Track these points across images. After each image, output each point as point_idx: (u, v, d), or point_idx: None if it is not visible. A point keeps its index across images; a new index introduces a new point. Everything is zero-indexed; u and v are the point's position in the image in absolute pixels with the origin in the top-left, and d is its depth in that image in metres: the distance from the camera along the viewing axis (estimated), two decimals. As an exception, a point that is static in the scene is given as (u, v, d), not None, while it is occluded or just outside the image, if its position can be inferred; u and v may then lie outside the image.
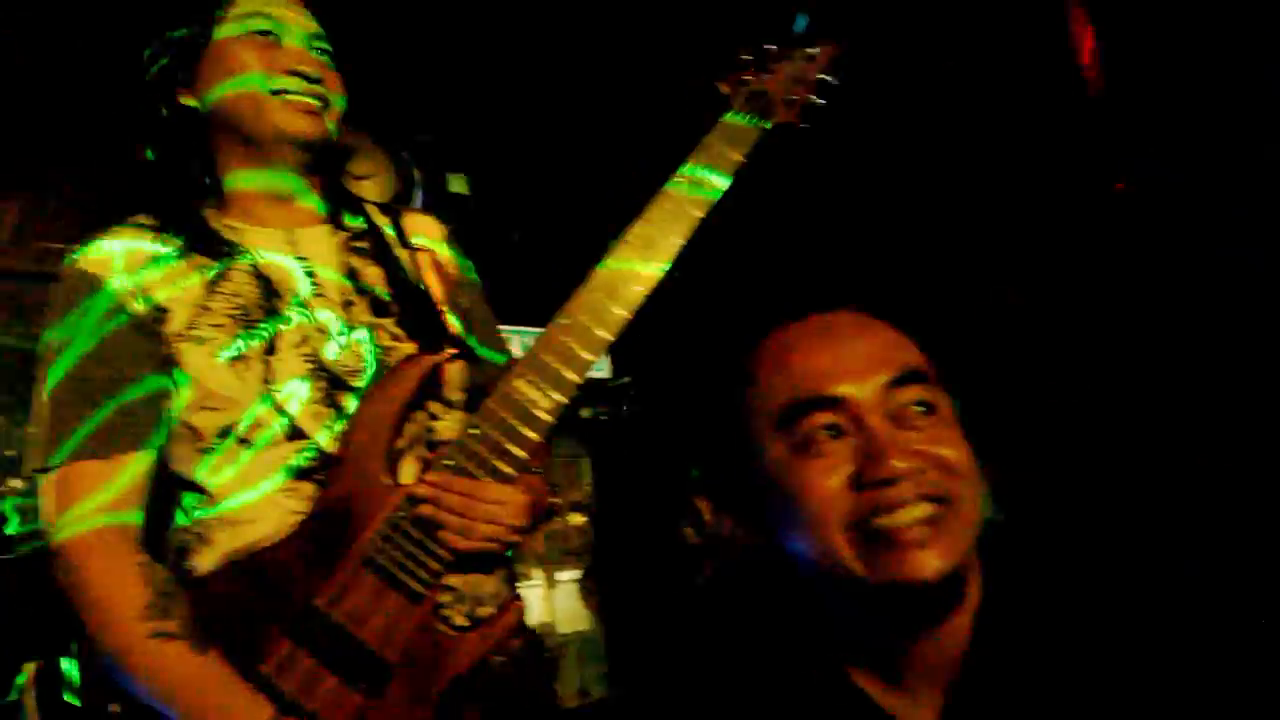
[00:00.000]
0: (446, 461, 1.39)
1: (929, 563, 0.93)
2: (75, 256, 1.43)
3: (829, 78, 1.59)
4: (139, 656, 1.27)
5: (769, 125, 1.55)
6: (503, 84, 3.89)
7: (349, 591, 1.35)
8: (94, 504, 1.33)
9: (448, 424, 1.51)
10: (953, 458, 0.96)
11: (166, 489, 1.43)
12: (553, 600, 4.01)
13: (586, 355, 1.40)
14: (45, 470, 1.36)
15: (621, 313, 1.41)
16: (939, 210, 3.42)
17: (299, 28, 1.52)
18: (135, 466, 1.38)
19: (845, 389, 0.97)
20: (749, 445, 1.03)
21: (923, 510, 0.94)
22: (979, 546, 0.98)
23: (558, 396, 1.39)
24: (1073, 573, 1.02)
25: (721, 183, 1.49)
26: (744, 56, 1.58)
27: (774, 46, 1.60)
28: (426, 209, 1.73)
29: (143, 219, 1.48)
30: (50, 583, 1.31)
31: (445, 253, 1.68)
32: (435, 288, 1.60)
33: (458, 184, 4.17)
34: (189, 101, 1.51)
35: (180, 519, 1.44)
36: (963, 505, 0.95)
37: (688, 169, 1.49)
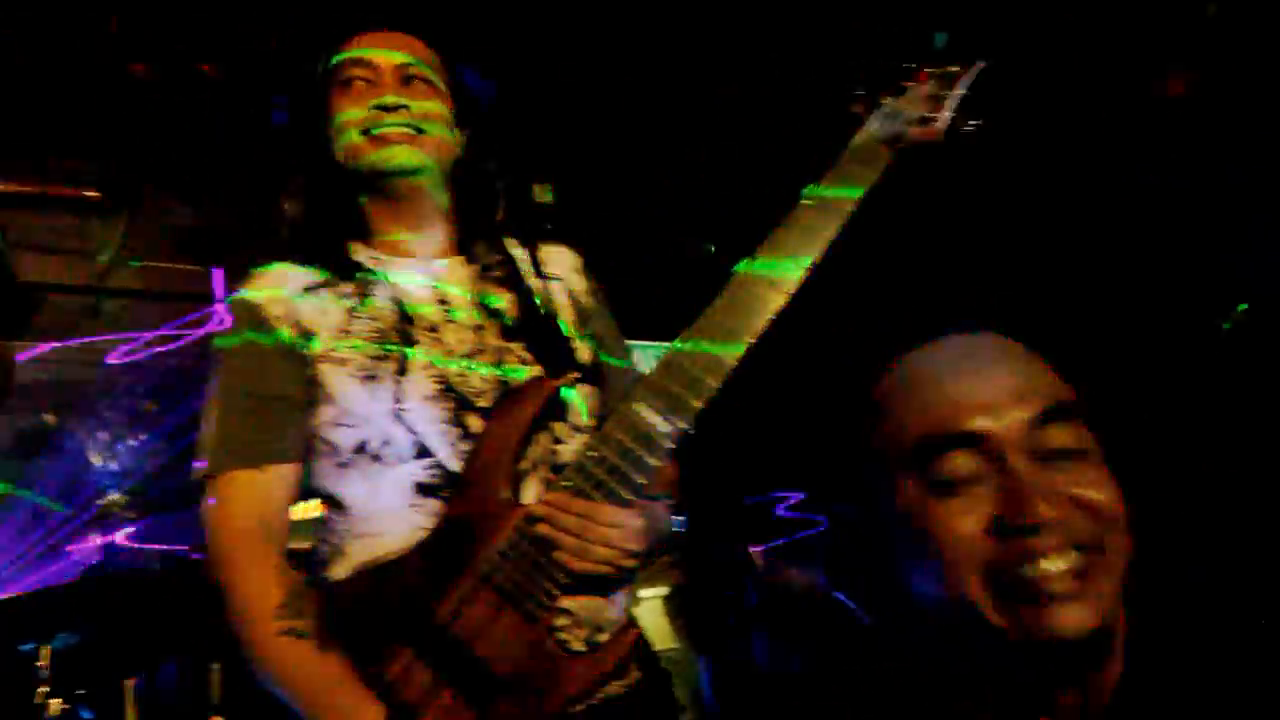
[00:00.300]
0: (565, 483, 1.44)
1: (1074, 618, 0.88)
2: (241, 287, 1.60)
3: (969, 95, 1.56)
4: (270, 652, 1.40)
5: (903, 145, 1.54)
6: (622, 104, 3.92)
7: (468, 607, 1.42)
8: (243, 509, 1.48)
9: (572, 447, 1.55)
10: (1103, 502, 0.91)
11: (315, 496, 1.56)
12: (638, 618, 4.01)
13: (710, 381, 1.43)
14: (207, 476, 1.51)
15: (745, 338, 1.43)
16: (1091, 227, 3.27)
17: (385, 60, 1.62)
18: (281, 476, 1.52)
19: (986, 424, 0.92)
20: (877, 481, 0.99)
21: (1069, 560, 0.88)
22: (1126, 593, 0.92)
23: (679, 422, 1.42)
24: (1224, 616, 0.97)
25: (853, 204, 1.49)
26: (879, 76, 1.56)
27: (911, 65, 1.60)
28: (513, 220, 1.80)
29: (296, 254, 1.63)
30: (202, 584, 1.47)
31: (578, 282, 1.75)
32: (566, 315, 1.68)
33: (543, 194, 4.22)
34: (336, 155, 1.63)
35: (321, 531, 1.56)
36: (1112, 555, 0.90)
37: (818, 190, 1.50)
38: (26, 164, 3.96)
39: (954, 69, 1.58)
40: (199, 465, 1.53)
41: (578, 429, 1.59)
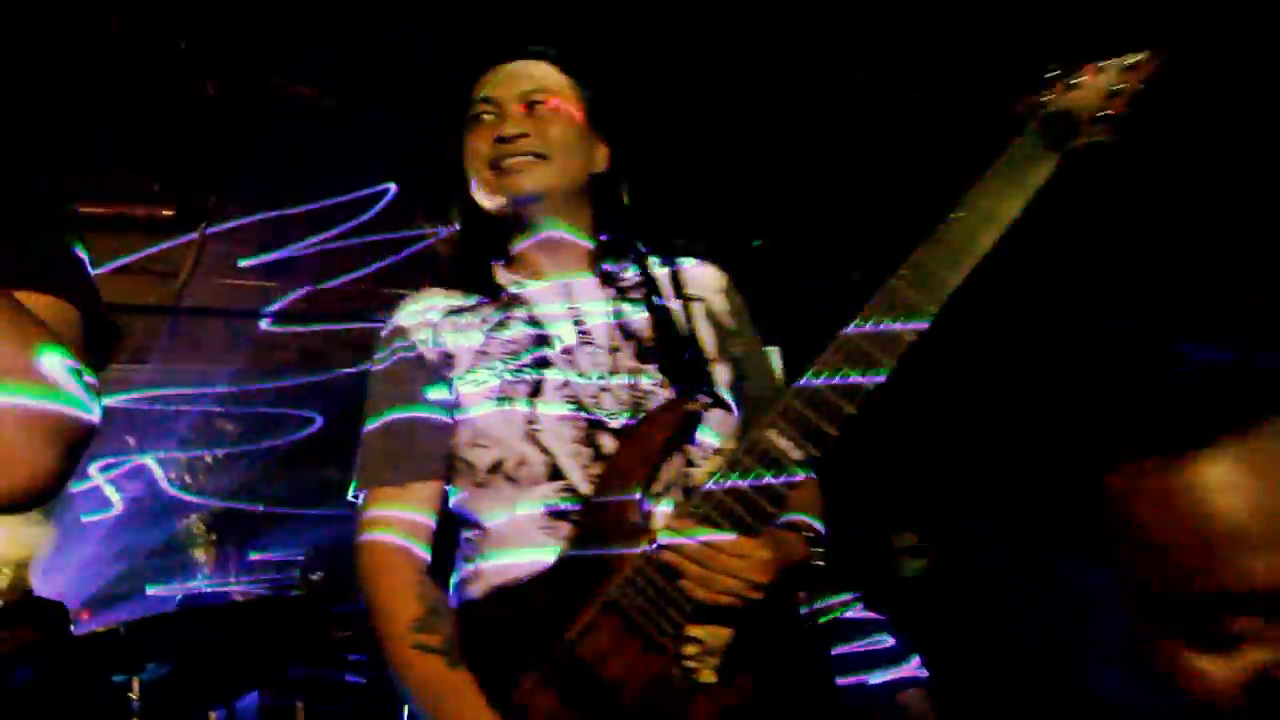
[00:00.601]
0: (692, 510, 1.45)
1: None
2: (394, 312, 1.71)
3: (1147, 88, 1.47)
4: (403, 664, 1.48)
5: (1073, 147, 1.49)
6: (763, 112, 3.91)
7: (594, 634, 1.43)
8: (385, 524, 1.57)
9: (706, 471, 1.56)
10: None
11: (452, 522, 1.63)
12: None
13: (847, 408, 1.43)
14: (359, 491, 1.63)
15: (885, 365, 1.44)
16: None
17: (507, 93, 1.69)
18: (424, 492, 1.60)
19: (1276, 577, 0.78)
20: (1100, 587, 0.87)
21: None
22: None
23: (812, 449, 1.43)
24: None
25: (1012, 215, 1.45)
26: (1047, 75, 1.48)
27: (1081, 61, 1.53)
28: (654, 238, 1.82)
29: (443, 279, 1.74)
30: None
31: (720, 302, 1.75)
32: (705, 337, 1.69)
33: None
34: (475, 193, 1.72)
35: (461, 550, 1.64)
36: None
37: (973, 200, 1.47)
38: (96, 184, 4.00)
39: (1136, 58, 1.49)
40: (352, 483, 1.65)
41: (711, 453, 1.60)
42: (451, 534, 1.65)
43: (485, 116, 1.69)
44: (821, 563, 1.60)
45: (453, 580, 1.63)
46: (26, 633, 3.46)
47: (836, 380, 1.43)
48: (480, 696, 1.42)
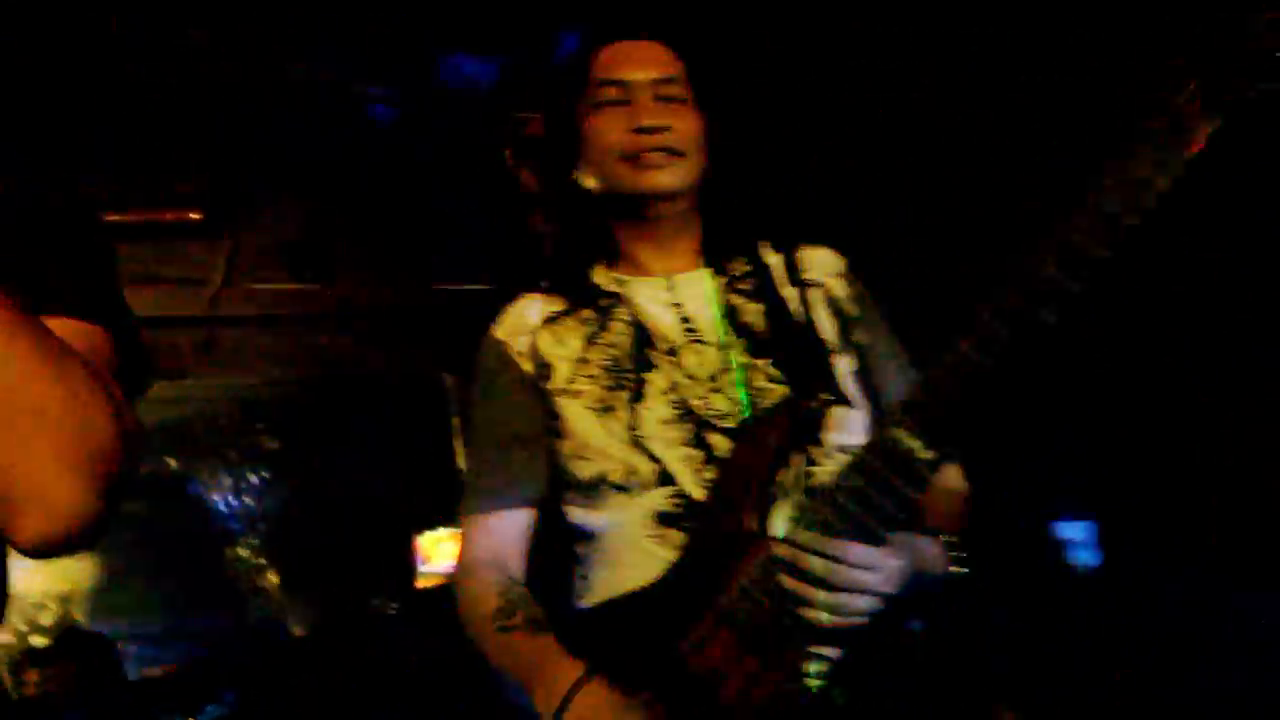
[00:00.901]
0: (815, 516, 1.38)
1: None
2: (492, 326, 1.73)
3: None
4: (492, 652, 1.53)
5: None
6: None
7: (708, 647, 1.40)
8: (478, 551, 1.62)
9: (829, 471, 1.50)
10: None
11: (562, 533, 1.64)
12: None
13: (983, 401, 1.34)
14: (462, 517, 1.68)
15: None
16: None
17: (644, 78, 1.65)
18: (516, 521, 1.63)
19: None
20: None
21: None
22: None
23: (946, 448, 1.32)
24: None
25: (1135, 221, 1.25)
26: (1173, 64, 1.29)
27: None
28: (765, 224, 1.79)
29: (544, 283, 1.74)
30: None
31: (841, 287, 1.70)
32: (825, 326, 1.64)
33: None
34: (582, 180, 1.69)
35: (572, 563, 1.64)
36: None
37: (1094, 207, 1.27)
38: (119, 189, 3.92)
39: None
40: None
41: (835, 452, 1.54)
42: (565, 547, 1.65)
43: (613, 100, 1.65)
44: (964, 570, 1.53)
45: (570, 594, 1.64)
46: (74, 669, 3.49)
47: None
48: (564, 654, 1.44)
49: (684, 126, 1.63)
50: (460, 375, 4.43)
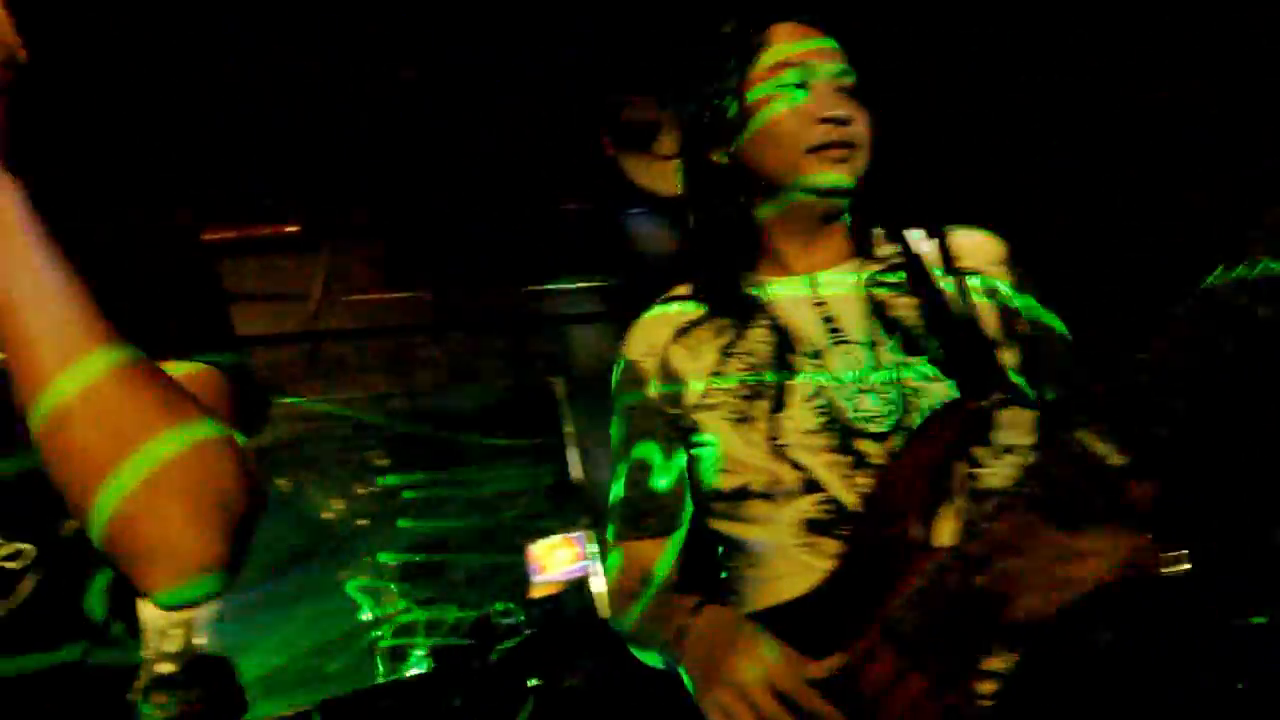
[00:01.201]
0: (986, 524, 1.33)
1: None
2: (622, 344, 1.74)
3: None
4: (633, 635, 1.62)
5: None
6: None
7: (870, 665, 1.35)
8: (622, 576, 1.66)
9: (996, 474, 1.47)
10: None
11: (710, 547, 1.64)
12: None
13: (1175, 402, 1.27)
14: (610, 543, 1.72)
15: None
16: None
17: (826, 66, 1.62)
18: (656, 547, 1.65)
19: None
20: None
21: None
22: None
23: (1140, 454, 1.26)
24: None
25: None
26: None
27: None
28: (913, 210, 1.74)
29: (679, 289, 1.73)
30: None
31: (1002, 275, 1.63)
32: (986, 318, 1.58)
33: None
34: (718, 158, 1.67)
35: (722, 576, 1.63)
36: None
37: None
38: (214, 205, 3.98)
39: None
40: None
41: (1001, 452, 1.50)
42: (713, 561, 1.66)
43: (790, 85, 1.61)
44: (1186, 568, 1.39)
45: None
46: (198, 694, 3.58)
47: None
48: (685, 599, 1.52)
49: (862, 119, 1.61)
50: (569, 380, 4.41)
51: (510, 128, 4.05)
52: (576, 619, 4.46)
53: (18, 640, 0.92)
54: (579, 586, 5.00)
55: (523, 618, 4.42)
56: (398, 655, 4.77)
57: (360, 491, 4.32)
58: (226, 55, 3.48)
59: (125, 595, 1.04)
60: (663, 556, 1.64)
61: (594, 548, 4.60)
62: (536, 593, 5.43)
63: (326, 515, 4.31)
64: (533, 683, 3.46)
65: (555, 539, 5.48)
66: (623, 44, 3.77)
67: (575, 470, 4.53)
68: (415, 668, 4.65)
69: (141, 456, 0.90)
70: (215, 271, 1.17)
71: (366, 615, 4.69)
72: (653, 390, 1.66)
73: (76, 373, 0.89)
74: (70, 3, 2.97)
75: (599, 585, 4.53)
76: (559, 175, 4.14)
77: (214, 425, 0.95)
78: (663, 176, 4.18)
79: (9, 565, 0.93)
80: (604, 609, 4.48)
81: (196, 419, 0.94)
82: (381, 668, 4.70)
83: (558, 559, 5.51)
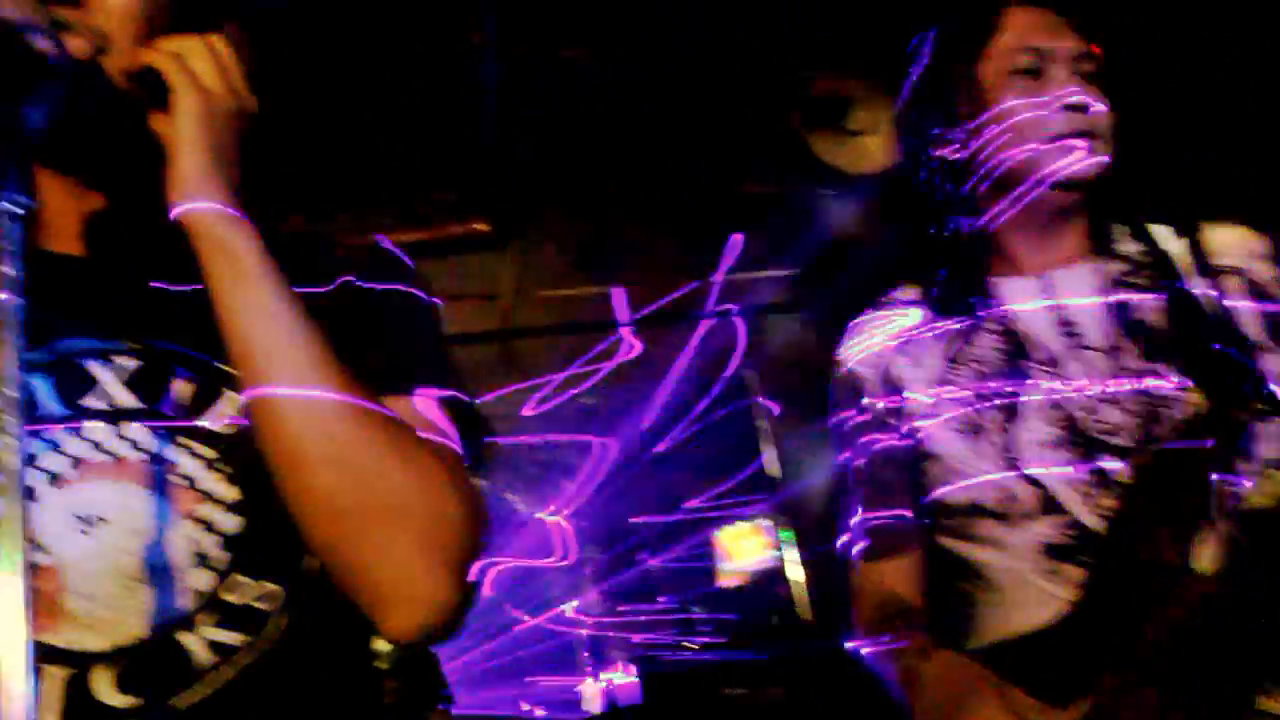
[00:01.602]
0: (1259, 545, 1.31)
1: None
2: (838, 351, 1.71)
3: None
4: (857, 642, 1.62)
5: None
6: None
7: (1124, 707, 1.30)
8: (867, 600, 1.62)
9: (1266, 495, 1.38)
10: None
11: (940, 565, 1.60)
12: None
13: None
14: (854, 568, 1.67)
15: None
16: None
17: (1065, 49, 1.57)
18: (900, 567, 1.60)
19: None
20: None
21: None
22: None
23: None
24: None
25: None
26: None
27: None
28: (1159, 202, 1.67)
29: (899, 293, 1.70)
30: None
31: (1264, 272, 1.56)
32: (1247, 321, 1.52)
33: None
34: (946, 151, 1.64)
35: (954, 597, 1.60)
36: None
37: None
38: (403, 206, 4.09)
39: None
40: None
41: (1268, 469, 1.41)
42: (944, 580, 1.62)
43: (1030, 72, 1.57)
44: None
45: (954, 633, 1.60)
46: (401, 684, 3.72)
47: None
48: (916, 636, 1.51)
49: (1103, 106, 1.56)
50: (761, 372, 4.38)
51: (693, 110, 4.03)
52: (776, 619, 4.47)
53: (271, 680, 0.96)
54: (770, 578, 4.98)
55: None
56: (595, 648, 4.86)
57: (559, 491, 4.43)
58: (408, 58, 3.59)
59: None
60: (899, 578, 1.61)
61: (788, 535, 4.58)
62: (723, 581, 5.44)
63: (525, 515, 4.43)
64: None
65: (743, 526, 5.47)
66: (813, 13, 3.70)
67: (771, 465, 4.52)
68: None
69: (375, 496, 0.93)
70: (432, 300, 1.19)
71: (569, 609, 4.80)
72: (872, 401, 1.64)
73: (313, 415, 0.93)
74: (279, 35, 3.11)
75: (796, 574, 4.52)
76: (746, 158, 4.10)
77: (443, 464, 0.98)
78: (856, 154, 4.10)
79: (260, 606, 0.97)
80: (805, 610, 4.49)
81: (426, 459, 0.97)
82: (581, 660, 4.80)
83: (744, 548, 5.51)
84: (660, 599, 4.91)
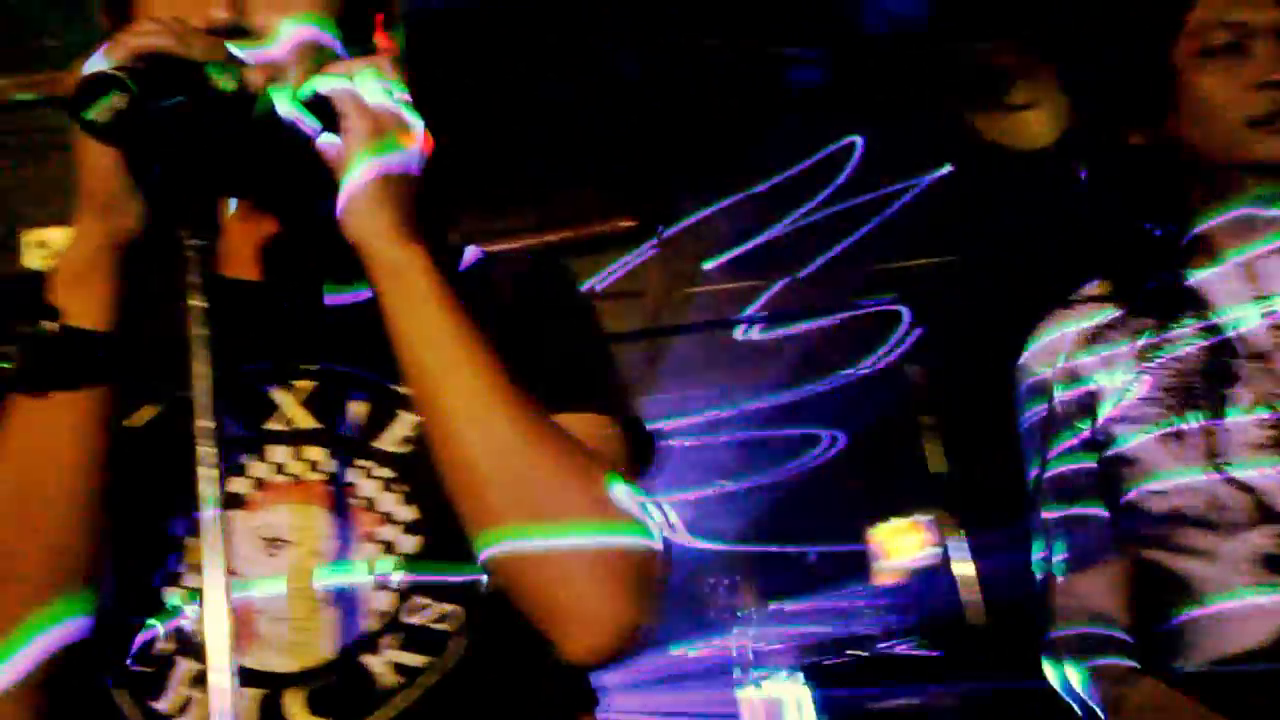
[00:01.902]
0: None
1: None
2: (1024, 351, 1.68)
3: None
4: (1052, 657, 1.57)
5: None
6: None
7: None
8: (1065, 616, 1.56)
9: None
10: None
11: (1142, 577, 1.56)
12: None
13: None
14: (1051, 583, 1.63)
15: None
16: None
17: (1267, 21, 1.50)
18: (1105, 576, 1.55)
19: None
20: None
21: None
22: None
23: None
24: None
25: None
26: None
27: None
28: None
29: (1095, 288, 1.65)
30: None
31: None
32: None
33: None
34: (1138, 138, 1.59)
35: (1161, 616, 1.54)
36: None
37: None
38: (548, 205, 4.13)
39: None
40: None
41: None
42: (1150, 593, 1.57)
43: (1224, 47, 1.50)
44: None
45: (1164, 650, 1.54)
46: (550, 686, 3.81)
47: None
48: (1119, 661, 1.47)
49: None
50: (927, 367, 4.30)
51: (837, 97, 3.96)
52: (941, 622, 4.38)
53: (454, 701, 0.97)
54: (932, 576, 4.88)
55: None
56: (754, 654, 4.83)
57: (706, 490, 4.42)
58: (553, 58, 3.63)
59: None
60: (1102, 591, 1.56)
61: (956, 533, 4.48)
62: (880, 579, 5.34)
63: (675, 520, 4.43)
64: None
65: (901, 522, 5.36)
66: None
67: (935, 462, 4.42)
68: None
69: (551, 518, 0.94)
70: (598, 317, 1.21)
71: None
72: (1064, 408, 1.60)
73: (488, 437, 0.94)
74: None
75: (963, 571, 4.42)
76: (903, 142, 4.02)
77: (620, 485, 0.98)
78: (1018, 131, 3.97)
79: (440, 627, 0.98)
80: (976, 615, 4.38)
81: (602, 478, 0.97)
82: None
83: (901, 545, 5.39)
84: (817, 600, 4.86)
